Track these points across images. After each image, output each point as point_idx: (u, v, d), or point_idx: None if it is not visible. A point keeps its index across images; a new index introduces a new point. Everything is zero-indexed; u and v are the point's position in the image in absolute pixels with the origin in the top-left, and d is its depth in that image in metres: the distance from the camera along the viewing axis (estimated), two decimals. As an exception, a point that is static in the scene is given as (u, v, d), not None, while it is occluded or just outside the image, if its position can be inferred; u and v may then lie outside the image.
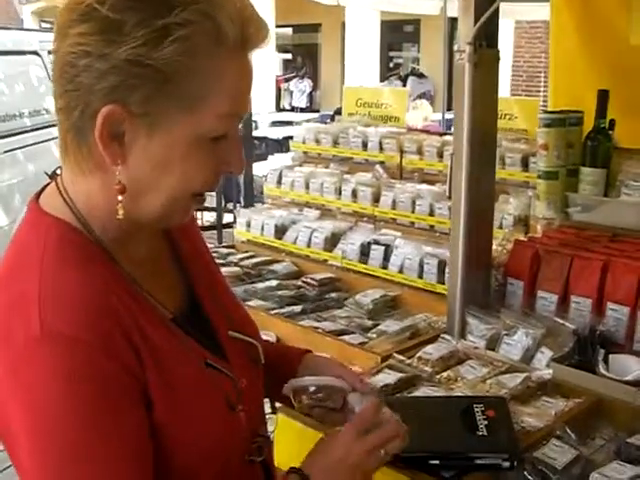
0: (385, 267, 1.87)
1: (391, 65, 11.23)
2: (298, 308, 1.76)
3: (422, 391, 1.17)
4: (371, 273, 1.89)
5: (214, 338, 0.70)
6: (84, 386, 0.56)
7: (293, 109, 11.31)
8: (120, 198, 0.60)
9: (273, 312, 1.72)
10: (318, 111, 9.55)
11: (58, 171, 0.66)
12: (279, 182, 2.34)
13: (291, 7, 8.11)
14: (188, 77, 0.57)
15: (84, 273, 0.60)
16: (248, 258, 2.09)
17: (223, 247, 2.33)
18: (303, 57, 12.52)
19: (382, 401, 0.78)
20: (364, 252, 1.93)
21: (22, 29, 6.97)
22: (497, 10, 1.32)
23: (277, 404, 0.84)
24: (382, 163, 2.21)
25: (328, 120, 3.73)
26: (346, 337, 1.56)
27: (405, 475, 0.94)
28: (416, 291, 1.78)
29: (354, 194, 2.13)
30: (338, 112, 3.25)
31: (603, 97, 1.49)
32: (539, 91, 6.93)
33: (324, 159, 2.38)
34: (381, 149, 2.22)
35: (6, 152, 3.57)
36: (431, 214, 1.96)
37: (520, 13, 4.70)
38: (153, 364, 0.60)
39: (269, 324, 1.61)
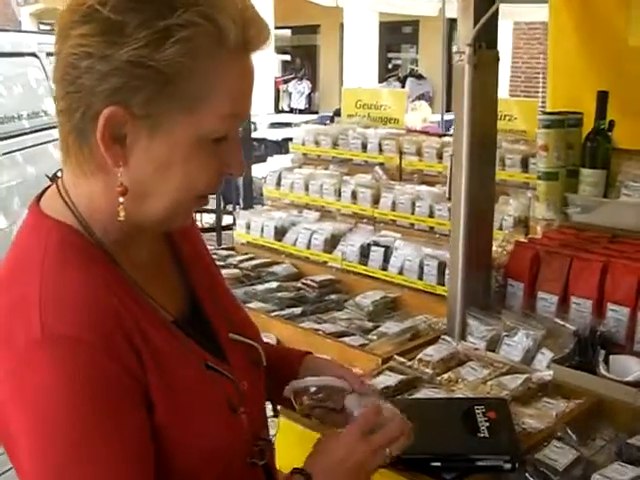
0: (385, 268, 1.87)
1: (390, 66, 11.25)
2: (298, 310, 1.76)
3: (423, 393, 1.17)
4: (371, 275, 1.89)
5: (215, 341, 0.70)
6: (86, 387, 0.56)
7: (292, 110, 11.32)
8: (121, 200, 0.59)
9: (273, 314, 1.72)
10: (317, 112, 9.55)
11: (59, 174, 0.66)
12: (278, 184, 2.34)
13: (290, 8, 8.11)
14: (189, 78, 0.57)
15: (85, 274, 0.60)
16: (248, 260, 2.09)
17: (223, 249, 2.33)
18: (302, 58, 12.54)
19: (384, 401, 0.78)
20: (364, 253, 1.93)
21: (20, 31, 6.97)
22: (496, 11, 1.32)
23: (279, 407, 0.83)
24: (382, 164, 2.21)
25: (327, 121, 3.73)
26: (346, 339, 1.56)
27: (406, 477, 0.94)
28: (416, 292, 1.78)
29: (354, 195, 2.13)
30: (337, 113, 3.25)
31: (602, 98, 1.49)
32: (537, 92, 6.94)
33: (323, 161, 2.38)
34: (380, 150, 2.22)
35: (5, 154, 3.57)
36: (431, 215, 1.96)
37: (518, 14, 4.71)
38: (154, 366, 0.60)
39: (269, 326, 1.61)
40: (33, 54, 3.99)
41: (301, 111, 11.07)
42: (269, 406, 0.80)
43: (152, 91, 0.57)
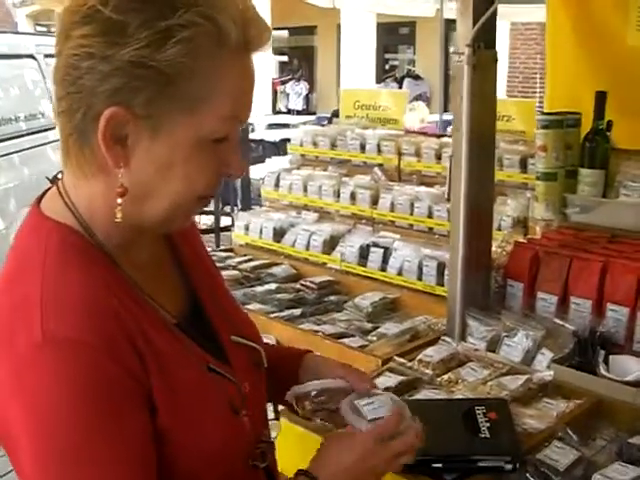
0: (384, 269, 1.87)
1: (387, 67, 11.27)
2: (297, 311, 1.75)
3: (423, 394, 1.17)
4: (370, 275, 1.88)
5: (216, 342, 0.70)
6: (88, 389, 0.56)
7: (289, 111, 11.32)
8: (119, 201, 0.59)
9: (272, 315, 1.71)
10: (314, 113, 9.56)
11: (59, 175, 0.65)
12: (277, 185, 2.33)
13: (287, 9, 8.11)
14: (190, 78, 0.57)
15: (86, 276, 0.60)
16: (247, 261, 2.09)
17: (221, 251, 2.32)
18: (299, 59, 12.55)
19: (387, 395, 0.77)
20: (363, 254, 1.93)
21: (18, 32, 6.95)
22: (495, 12, 1.32)
23: (280, 407, 0.83)
24: (380, 165, 2.21)
25: (325, 122, 3.73)
26: (346, 340, 1.56)
27: (407, 478, 0.94)
28: (415, 293, 1.78)
29: (352, 196, 2.13)
30: (335, 114, 3.26)
31: (601, 98, 1.49)
32: (535, 92, 6.96)
33: (322, 162, 2.38)
34: (379, 151, 2.22)
35: (2, 156, 3.56)
36: (430, 216, 1.96)
37: (515, 15, 4.73)
38: (157, 368, 0.60)
39: (269, 327, 1.61)
40: (30, 56, 3.98)
41: (298, 112, 11.07)
42: (270, 408, 0.80)
43: (153, 91, 0.57)
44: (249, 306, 1.75)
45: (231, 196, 4.46)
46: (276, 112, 10.78)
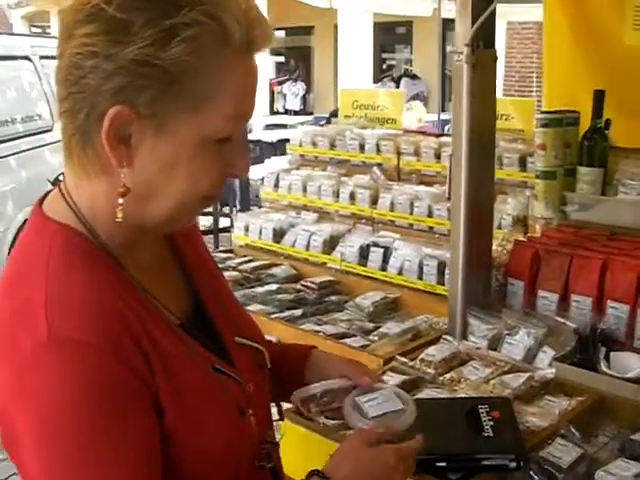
0: (384, 269, 1.87)
1: (384, 67, 11.27)
2: (298, 312, 1.75)
3: (426, 393, 1.17)
4: (370, 275, 1.89)
5: (219, 343, 0.70)
6: (94, 390, 0.55)
7: (287, 112, 11.32)
8: (121, 201, 0.59)
9: (273, 316, 1.71)
10: (312, 114, 9.56)
11: (60, 177, 0.65)
12: (276, 185, 2.33)
13: (283, 10, 8.11)
14: (195, 77, 0.57)
15: (91, 277, 0.59)
16: (247, 262, 2.09)
17: (221, 252, 2.32)
18: (296, 60, 12.54)
19: (392, 388, 0.78)
20: (363, 254, 1.93)
21: (13, 34, 6.93)
22: (494, 11, 1.32)
23: (284, 406, 0.83)
24: (379, 165, 2.22)
25: (322, 122, 3.73)
26: (347, 340, 1.56)
27: (411, 478, 0.94)
28: (416, 292, 1.78)
29: (352, 196, 2.13)
30: (334, 114, 3.26)
31: (599, 97, 1.50)
32: (531, 91, 6.98)
33: (321, 162, 2.38)
34: (378, 151, 2.22)
35: (-1, 159, 3.55)
36: (429, 215, 1.96)
37: (512, 14, 4.74)
38: (162, 369, 0.60)
39: (270, 328, 1.61)
40: (26, 57, 3.97)
41: (296, 112, 11.07)
42: (274, 409, 0.80)
43: (158, 90, 0.56)
44: (249, 307, 1.75)
45: (230, 197, 4.45)
46: (273, 113, 10.78)
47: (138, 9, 0.55)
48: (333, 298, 1.84)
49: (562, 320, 1.35)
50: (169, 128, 0.58)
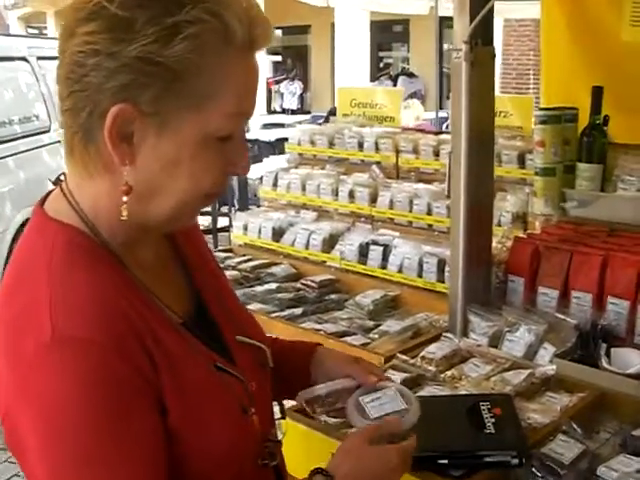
0: (384, 267, 1.87)
1: (381, 65, 11.27)
2: (298, 310, 1.75)
3: (427, 390, 1.17)
4: (370, 273, 1.88)
5: (221, 342, 0.70)
6: (98, 388, 0.55)
7: (284, 111, 11.32)
8: (125, 199, 0.59)
9: (273, 315, 1.71)
10: (309, 112, 9.55)
11: (62, 177, 0.65)
12: (275, 184, 2.33)
13: (280, 9, 8.09)
14: (197, 75, 0.57)
15: (93, 276, 0.59)
16: (246, 261, 2.08)
17: (220, 251, 2.32)
18: (293, 59, 12.54)
19: (394, 386, 0.78)
20: (363, 253, 1.93)
21: (9, 35, 6.90)
22: (492, 8, 1.32)
23: (287, 404, 0.83)
24: (378, 163, 2.21)
25: (320, 121, 3.73)
26: (348, 338, 1.56)
27: (414, 476, 0.94)
28: (416, 290, 1.78)
29: (351, 195, 2.13)
30: (332, 113, 3.25)
31: (597, 93, 1.50)
32: (529, 88, 6.98)
33: (320, 160, 2.37)
34: (377, 149, 2.22)
35: (-3, 160, 3.54)
36: (429, 213, 1.96)
37: (509, 11, 4.74)
38: (166, 368, 0.60)
39: (270, 327, 1.60)
40: (23, 58, 3.96)
41: (293, 111, 11.07)
42: (276, 407, 0.80)
43: (160, 88, 0.56)
44: (249, 306, 1.75)
45: (228, 196, 4.44)
46: (271, 112, 10.78)
47: (140, 7, 0.55)
48: (333, 297, 1.84)
49: (562, 316, 1.35)
50: (171, 126, 0.58)
